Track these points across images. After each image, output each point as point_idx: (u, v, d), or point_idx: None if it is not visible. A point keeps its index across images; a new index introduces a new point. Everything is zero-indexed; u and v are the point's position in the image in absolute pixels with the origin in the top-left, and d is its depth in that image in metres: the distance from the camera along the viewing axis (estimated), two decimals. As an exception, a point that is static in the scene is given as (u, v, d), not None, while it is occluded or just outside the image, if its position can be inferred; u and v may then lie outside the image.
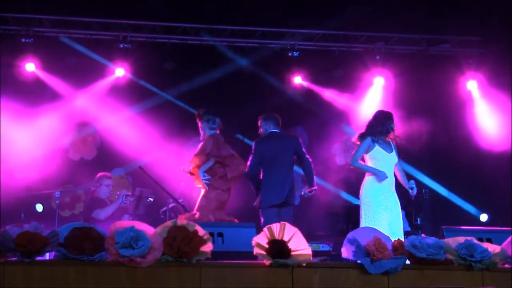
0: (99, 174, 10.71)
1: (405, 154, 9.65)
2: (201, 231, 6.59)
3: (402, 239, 7.38)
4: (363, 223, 8.60)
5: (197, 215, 9.06)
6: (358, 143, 8.75)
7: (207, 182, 9.19)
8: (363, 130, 8.78)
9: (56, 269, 6.23)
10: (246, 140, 12.14)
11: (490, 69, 12.41)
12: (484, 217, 12.62)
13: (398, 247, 6.94)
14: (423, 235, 7.41)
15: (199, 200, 9.33)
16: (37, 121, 11.98)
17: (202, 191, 9.32)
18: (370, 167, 8.63)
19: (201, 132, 9.53)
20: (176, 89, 12.60)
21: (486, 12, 11.34)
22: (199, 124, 9.55)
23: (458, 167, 12.89)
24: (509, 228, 7.84)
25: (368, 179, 8.69)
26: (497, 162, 12.26)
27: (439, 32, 12.63)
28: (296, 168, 13.27)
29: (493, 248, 7.00)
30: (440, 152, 12.82)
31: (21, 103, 11.81)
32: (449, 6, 11.60)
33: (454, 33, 12.66)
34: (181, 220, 8.23)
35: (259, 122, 9.74)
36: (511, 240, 7.12)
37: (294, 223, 7.49)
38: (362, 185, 8.76)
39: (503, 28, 11.46)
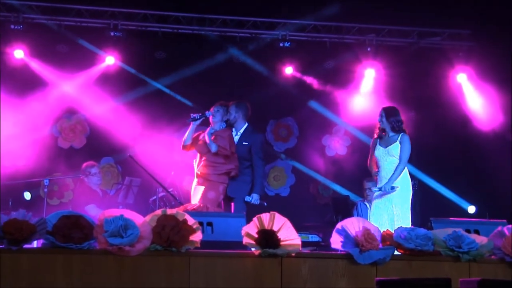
0: (84, 165, 10.72)
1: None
2: (190, 220, 6.59)
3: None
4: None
5: (206, 207, 8.90)
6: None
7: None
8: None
9: (44, 257, 6.23)
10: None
11: (480, 62, 12.42)
12: (472, 209, 12.66)
13: (386, 238, 6.97)
14: (411, 226, 7.46)
15: (203, 192, 9.08)
16: (26, 109, 11.92)
17: (203, 187, 9.20)
18: None
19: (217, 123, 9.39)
20: (167, 78, 12.53)
21: (476, 6, 11.34)
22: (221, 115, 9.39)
23: (447, 159, 12.92)
24: (496, 220, 7.87)
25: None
26: (485, 155, 12.30)
27: (430, 25, 12.63)
28: (282, 156, 13.36)
29: (480, 239, 7.06)
30: (428, 143, 12.83)
31: (10, 90, 11.73)
32: (440, -1, 11.63)
33: (444, 26, 12.66)
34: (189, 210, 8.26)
35: (229, 108, 9.41)
36: (498, 232, 7.17)
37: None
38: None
39: (493, 22, 11.47)
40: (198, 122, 9.27)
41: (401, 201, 8.56)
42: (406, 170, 8.72)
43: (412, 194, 8.75)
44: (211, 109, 9.37)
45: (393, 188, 8.50)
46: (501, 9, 11.05)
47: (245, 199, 9.17)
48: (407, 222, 8.41)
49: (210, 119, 9.33)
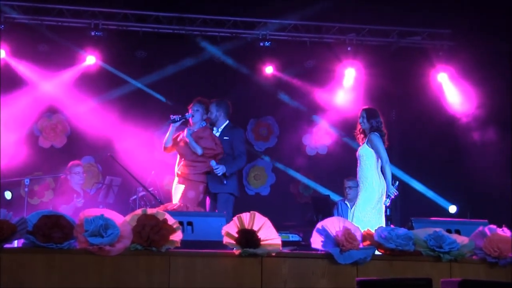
0: (69, 163, 10.70)
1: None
2: (170, 220, 6.59)
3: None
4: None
5: (186, 207, 8.87)
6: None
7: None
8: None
9: (24, 256, 6.21)
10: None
11: (460, 62, 12.47)
12: (453, 209, 12.71)
13: (367, 237, 6.98)
14: (392, 226, 7.47)
15: (183, 191, 9.10)
16: (7, 108, 11.85)
17: (183, 186, 9.20)
18: None
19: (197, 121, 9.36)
20: (148, 77, 12.52)
21: (457, 5, 11.39)
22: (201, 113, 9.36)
23: (428, 159, 12.96)
24: (477, 220, 7.91)
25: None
26: (466, 154, 12.36)
27: (410, 24, 12.67)
28: (264, 157, 13.37)
29: (461, 239, 7.08)
30: (409, 143, 12.88)
31: (-9, 89, 11.69)
32: (420, -2, 11.67)
33: (425, 25, 12.71)
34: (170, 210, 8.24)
35: (210, 107, 9.38)
36: (479, 232, 7.20)
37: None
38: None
39: (473, 21, 11.51)
40: (177, 124, 9.25)
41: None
42: (375, 171, 8.72)
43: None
44: (190, 109, 9.33)
45: (393, 185, 8.64)
46: (481, 9, 11.10)
47: (211, 163, 9.05)
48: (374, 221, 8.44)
49: (190, 120, 9.30)
